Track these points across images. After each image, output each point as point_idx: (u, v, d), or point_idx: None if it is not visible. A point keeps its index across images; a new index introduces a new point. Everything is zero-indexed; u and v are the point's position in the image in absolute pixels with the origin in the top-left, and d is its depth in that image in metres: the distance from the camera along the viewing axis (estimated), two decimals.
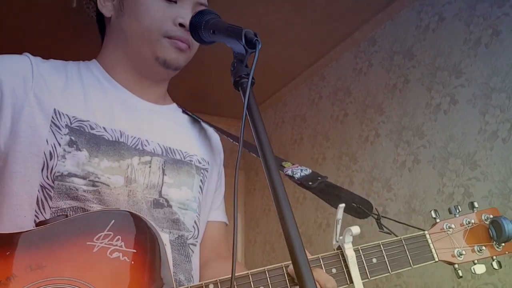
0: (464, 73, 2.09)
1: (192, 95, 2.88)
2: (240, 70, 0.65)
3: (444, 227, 0.84)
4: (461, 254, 0.82)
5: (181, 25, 0.87)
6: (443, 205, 2.08)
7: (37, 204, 0.74)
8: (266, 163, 0.56)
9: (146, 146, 0.85)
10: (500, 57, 1.95)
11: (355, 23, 2.68)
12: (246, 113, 0.61)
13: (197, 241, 0.89)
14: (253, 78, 0.64)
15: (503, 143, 1.88)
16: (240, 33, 0.66)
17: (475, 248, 0.83)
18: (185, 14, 0.87)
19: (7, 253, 0.62)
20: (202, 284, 0.67)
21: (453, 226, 0.84)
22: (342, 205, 0.75)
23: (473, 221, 0.85)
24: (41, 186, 0.74)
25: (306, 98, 3.22)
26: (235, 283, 0.67)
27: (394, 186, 2.36)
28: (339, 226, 0.75)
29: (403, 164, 2.33)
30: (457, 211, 0.86)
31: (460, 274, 0.81)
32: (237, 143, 0.87)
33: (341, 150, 2.79)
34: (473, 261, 0.83)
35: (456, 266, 0.82)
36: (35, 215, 0.73)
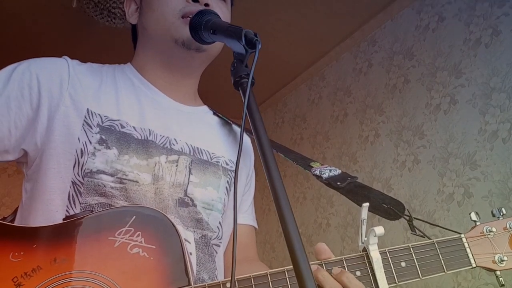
0: (464, 73, 2.09)
1: None
2: (240, 70, 0.65)
3: (484, 230, 0.77)
4: (502, 260, 0.76)
5: (194, 0, 0.87)
6: (443, 205, 2.08)
7: (69, 199, 0.76)
8: (266, 163, 0.56)
9: (174, 145, 0.86)
10: (500, 57, 1.95)
11: (355, 23, 2.68)
12: (246, 113, 0.61)
13: (220, 242, 0.89)
14: (253, 78, 0.64)
15: (503, 143, 1.88)
16: (240, 33, 0.66)
17: None
18: None
19: (34, 246, 0.66)
20: (219, 282, 0.67)
21: (494, 229, 0.78)
22: (366, 204, 0.71)
23: None
24: (72, 182, 0.77)
25: (306, 98, 3.22)
26: (252, 282, 0.67)
27: (394, 186, 2.36)
28: (364, 227, 0.71)
29: (403, 164, 2.33)
30: (501, 213, 0.80)
31: (502, 282, 0.75)
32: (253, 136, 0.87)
33: (341, 150, 2.79)
34: None
35: (498, 273, 0.76)
36: (67, 210, 0.76)
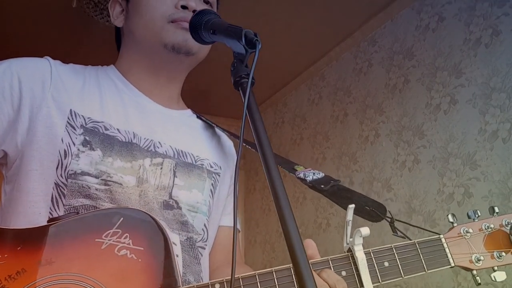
0: (464, 73, 2.09)
1: (192, 95, 2.87)
2: (240, 70, 0.65)
3: (462, 231, 0.80)
4: (479, 260, 0.78)
5: (183, 7, 0.87)
6: (443, 205, 2.08)
7: (52, 201, 0.75)
8: (266, 163, 0.56)
9: (158, 148, 0.86)
10: (500, 57, 1.95)
11: (355, 23, 2.68)
12: (246, 113, 0.61)
13: (206, 245, 0.89)
14: (253, 78, 0.64)
15: (503, 143, 1.88)
16: (240, 33, 0.66)
17: (495, 254, 0.79)
18: None
19: (18, 248, 0.64)
20: (208, 283, 0.67)
21: (471, 230, 0.80)
22: (352, 206, 0.73)
23: (492, 226, 0.81)
24: (55, 184, 0.76)
25: (306, 98, 3.22)
26: (241, 283, 0.67)
27: (394, 186, 2.36)
28: (349, 228, 0.73)
29: (403, 164, 2.33)
30: (476, 215, 0.82)
31: (479, 281, 0.77)
32: (250, 148, 0.88)
33: (341, 150, 2.79)
34: (492, 268, 0.79)
35: (475, 272, 0.78)
36: (50, 212, 0.75)
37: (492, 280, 0.78)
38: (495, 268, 0.79)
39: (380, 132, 2.51)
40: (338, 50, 2.91)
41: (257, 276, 0.68)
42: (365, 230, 0.70)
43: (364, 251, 0.73)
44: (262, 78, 3.01)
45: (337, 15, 2.57)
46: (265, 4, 2.45)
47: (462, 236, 0.80)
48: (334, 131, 2.89)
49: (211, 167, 0.93)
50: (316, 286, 0.48)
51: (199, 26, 0.79)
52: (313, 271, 0.69)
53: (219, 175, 0.95)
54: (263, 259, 3.35)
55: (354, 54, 2.81)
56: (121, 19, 0.95)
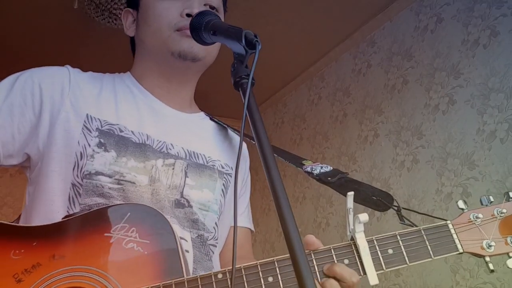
0: (462, 73, 2.10)
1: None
2: (240, 71, 0.65)
3: (471, 217, 0.78)
4: (490, 246, 0.75)
5: (188, 15, 0.90)
6: (441, 205, 2.09)
7: (69, 200, 0.80)
8: (266, 163, 0.56)
9: (170, 149, 0.90)
10: (498, 57, 1.96)
11: (354, 24, 2.69)
12: (246, 113, 0.61)
13: (217, 243, 0.92)
14: (253, 78, 0.65)
15: (501, 143, 1.89)
16: (240, 34, 0.66)
17: (508, 239, 0.76)
18: (191, 5, 0.91)
19: (34, 244, 0.70)
20: (211, 273, 0.68)
21: (481, 216, 0.78)
22: (351, 193, 0.73)
23: (505, 210, 0.78)
24: (72, 184, 0.80)
25: (305, 98, 3.23)
26: (243, 272, 0.68)
27: (393, 186, 2.37)
28: (351, 216, 0.72)
29: (402, 164, 2.34)
30: (489, 201, 0.80)
31: (492, 268, 0.75)
32: (251, 141, 0.89)
33: (341, 150, 2.80)
34: (508, 254, 0.76)
35: (488, 259, 0.76)
36: (67, 211, 0.79)
37: (508, 267, 0.75)
38: (510, 254, 0.76)
39: (379, 132, 2.52)
40: (338, 51, 2.92)
41: (259, 265, 0.69)
42: (363, 216, 0.70)
43: (367, 239, 0.72)
44: (262, 78, 3.02)
45: (336, 16, 2.58)
46: (265, 5, 2.46)
47: (472, 222, 0.77)
48: (333, 131, 2.90)
49: (223, 168, 0.96)
50: (316, 287, 0.49)
51: (200, 27, 0.80)
52: (325, 265, 0.69)
53: (230, 176, 0.97)
54: (263, 258, 3.36)
55: (353, 55, 2.82)
56: (133, 28, 0.99)
